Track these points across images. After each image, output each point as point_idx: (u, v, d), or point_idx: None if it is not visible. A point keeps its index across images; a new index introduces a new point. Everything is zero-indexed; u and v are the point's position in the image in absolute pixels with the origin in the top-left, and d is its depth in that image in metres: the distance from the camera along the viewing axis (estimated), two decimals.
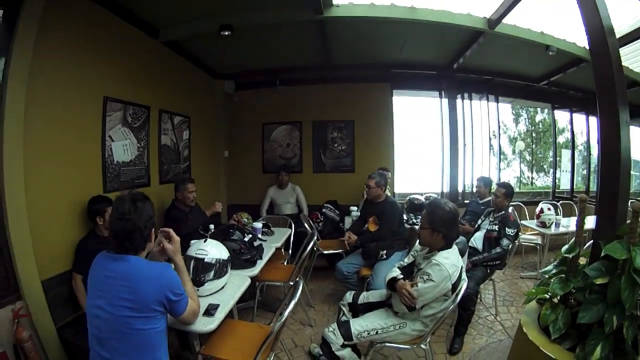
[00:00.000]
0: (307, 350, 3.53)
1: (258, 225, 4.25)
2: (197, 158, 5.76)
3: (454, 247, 2.71)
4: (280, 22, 4.39)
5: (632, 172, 7.56)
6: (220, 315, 2.25)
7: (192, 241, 3.16)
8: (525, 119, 17.82)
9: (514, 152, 18.69)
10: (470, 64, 5.95)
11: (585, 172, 9.45)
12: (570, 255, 2.65)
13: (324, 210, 6.21)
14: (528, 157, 18.66)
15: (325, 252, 4.83)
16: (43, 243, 2.86)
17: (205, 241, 2.64)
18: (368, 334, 2.73)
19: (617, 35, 4.38)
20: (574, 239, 2.75)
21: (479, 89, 7.25)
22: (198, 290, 2.34)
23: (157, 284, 1.77)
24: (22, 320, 2.57)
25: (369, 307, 3.06)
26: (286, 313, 2.21)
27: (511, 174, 18.21)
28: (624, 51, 5.01)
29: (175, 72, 5.13)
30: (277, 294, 4.62)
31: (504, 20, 4.42)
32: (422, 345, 2.73)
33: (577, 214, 2.83)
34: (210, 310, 2.22)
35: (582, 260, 2.69)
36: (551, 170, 9.42)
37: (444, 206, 2.65)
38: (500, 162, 8.80)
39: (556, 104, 8.33)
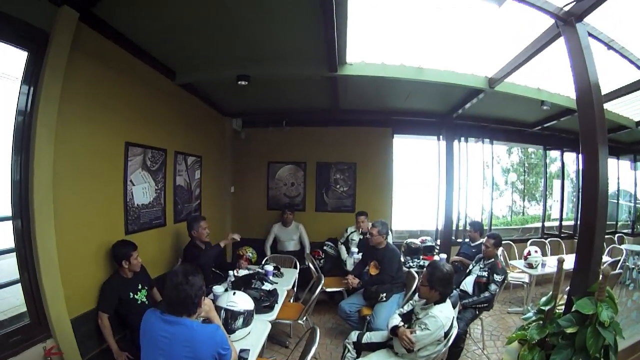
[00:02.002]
0: None
1: (269, 268, 4.62)
2: (207, 195, 6.11)
3: (448, 301, 3.20)
4: (296, 76, 4.80)
5: (621, 202, 8.11)
6: (252, 359, 2.71)
7: (216, 289, 3.61)
8: (518, 149, 18.48)
9: (506, 182, 19.31)
10: (468, 112, 6.33)
11: (575, 199, 10.03)
12: (547, 308, 3.16)
13: (325, 247, 6.59)
14: (520, 186, 19.25)
15: (328, 290, 5.27)
16: (71, 283, 3.07)
17: (234, 294, 3.07)
18: None
19: (609, 89, 4.96)
20: (551, 293, 3.24)
21: (476, 134, 7.75)
22: (230, 337, 2.79)
23: (212, 343, 2.21)
24: (54, 358, 2.82)
25: (372, 346, 3.51)
26: (309, 357, 2.65)
27: (504, 203, 18.80)
28: (616, 101, 5.62)
29: (189, 112, 5.45)
30: (282, 328, 4.91)
31: None
32: None
33: (556, 271, 3.31)
34: (242, 355, 2.67)
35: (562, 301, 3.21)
36: (542, 200, 9.90)
37: (442, 268, 3.14)
38: (493, 192, 9.27)
39: (548, 146, 8.89)
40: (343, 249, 6.37)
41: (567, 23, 3.21)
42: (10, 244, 2.81)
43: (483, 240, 4.97)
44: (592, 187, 3.08)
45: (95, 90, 3.46)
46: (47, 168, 2.83)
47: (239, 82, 4.61)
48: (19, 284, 2.85)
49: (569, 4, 3.11)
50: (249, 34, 3.77)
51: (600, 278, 2.86)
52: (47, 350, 2.80)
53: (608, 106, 5.97)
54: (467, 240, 6.18)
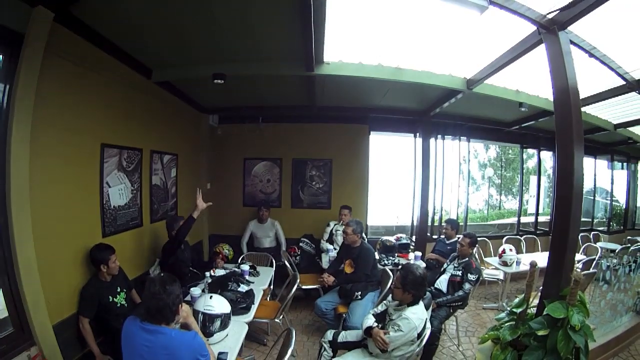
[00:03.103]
0: None
1: (245, 267, 4.71)
2: (183, 193, 6.12)
3: (421, 302, 3.34)
4: (273, 75, 4.85)
5: (598, 199, 8.43)
6: None
7: (193, 291, 3.71)
8: (495, 145, 18.88)
9: (483, 177, 19.66)
10: (446, 111, 6.45)
11: (552, 194, 10.38)
12: (519, 310, 3.33)
13: (301, 244, 6.75)
14: (497, 181, 19.63)
15: (304, 287, 5.40)
16: (51, 289, 3.10)
17: (211, 297, 3.13)
18: None
19: (590, 93, 5.21)
20: (523, 295, 3.41)
21: (453, 131, 7.93)
22: (208, 340, 2.89)
23: (191, 350, 2.32)
24: None
25: (348, 345, 3.65)
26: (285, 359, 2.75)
27: (481, 198, 19.18)
28: (595, 105, 5.86)
29: (164, 109, 5.43)
30: (260, 325, 4.97)
31: None
32: None
33: (528, 276, 3.47)
34: (222, 358, 2.75)
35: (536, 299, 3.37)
36: (519, 197, 10.17)
37: (415, 271, 3.27)
38: (469, 186, 9.46)
39: (525, 144, 9.13)
40: (328, 245, 6.44)
41: (549, 31, 3.29)
42: None
43: (459, 238, 5.13)
44: (565, 195, 3.21)
45: (70, 90, 3.46)
46: (23, 171, 2.84)
47: (215, 81, 4.63)
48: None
49: (552, 12, 3.19)
50: (225, 33, 3.79)
51: (572, 283, 2.99)
52: (32, 358, 2.86)
53: (587, 109, 6.22)
54: (442, 237, 6.35)
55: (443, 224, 6.93)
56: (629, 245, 6.79)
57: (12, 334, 2.86)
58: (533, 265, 3.41)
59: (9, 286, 2.85)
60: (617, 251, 6.60)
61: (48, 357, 2.99)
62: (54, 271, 3.22)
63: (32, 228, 2.93)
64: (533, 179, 10.46)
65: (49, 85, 3.10)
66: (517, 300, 3.45)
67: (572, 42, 3.42)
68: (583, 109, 4.97)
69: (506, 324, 3.43)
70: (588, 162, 9.61)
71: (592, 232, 9.26)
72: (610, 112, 6.71)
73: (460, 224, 7.48)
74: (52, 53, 3.04)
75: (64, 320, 3.33)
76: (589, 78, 4.51)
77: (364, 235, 5.16)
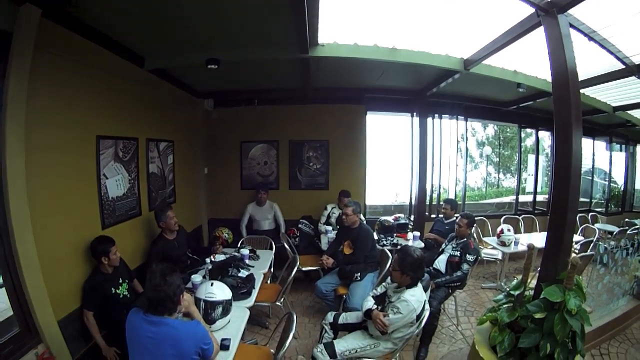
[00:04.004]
0: None
1: (245, 252, 4.76)
2: (181, 179, 6.13)
3: (419, 284, 3.41)
4: (267, 59, 4.81)
5: (596, 180, 8.50)
6: (234, 348, 2.89)
7: (194, 278, 3.77)
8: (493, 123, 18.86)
9: (481, 155, 19.65)
10: (443, 90, 6.44)
11: (550, 173, 10.35)
12: (516, 293, 3.38)
13: (299, 225, 6.80)
14: (495, 159, 19.60)
15: (304, 268, 5.50)
16: (53, 285, 3.11)
17: (212, 285, 3.19)
18: (349, 352, 3.41)
19: (589, 76, 5.17)
20: (521, 277, 3.45)
21: (450, 111, 7.90)
22: (210, 327, 2.96)
23: (194, 339, 2.39)
24: None
25: (348, 327, 3.74)
26: (287, 343, 2.83)
27: (478, 176, 19.21)
28: (594, 87, 5.87)
29: (159, 97, 5.38)
30: (261, 308, 5.02)
31: None
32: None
33: (526, 258, 3.49)
34: (225, 344, 2.83)
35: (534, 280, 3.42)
36: (517, 176, 10.19)
37: (412, 253, 3.33)
38: (467, 164, 9.48)
39: (523, 124, 9.13)
40: (326, 227, 6.54)
41: (548, 14, 3.24)
42: None
43: (457, 217, 5.12)
44: (563, 178, 3.21)
45: (62, 84, 3.42)
46: (19, 168, 2.84)
47: (209, 66, 4.61)
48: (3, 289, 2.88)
49: None
50: (218, 17, 3.73)
51: (569, 267, 3.02)
52: (40, 356, 2.90)
53: (586, 91, 6.24)
54: (440, 216, 6.40)
55: (441, 203, 6.99)
56: (627, 227, 6.83)
57: (18, 334, 2.90)
58: (530, 247, 3.43)
59: (12, 285, 2.87)
60: (614, 234, 6.66)
61: (55, 354, 3.03)
62: (55, 267, 3.24)
63: (32, 225, 2.94)
64: (531, 158, 10.45)
65: (40, 82, 3.07)
66: (514, 282, 3.49)
67: (571, 25, 3.39)
68: (582, 90, 4.93)
69: (504, 306, 3.48)
70: (587, 143, 9.63)
71: (590, 213, 9.31)
72: (609, 95, 6.72)
73: (459, 202, 7.56)
74: (41, 49, 3.00)
75: (68, 315, 3.37)
76: (588, 61, 4.50)
77: (361, 216, 5.20)
